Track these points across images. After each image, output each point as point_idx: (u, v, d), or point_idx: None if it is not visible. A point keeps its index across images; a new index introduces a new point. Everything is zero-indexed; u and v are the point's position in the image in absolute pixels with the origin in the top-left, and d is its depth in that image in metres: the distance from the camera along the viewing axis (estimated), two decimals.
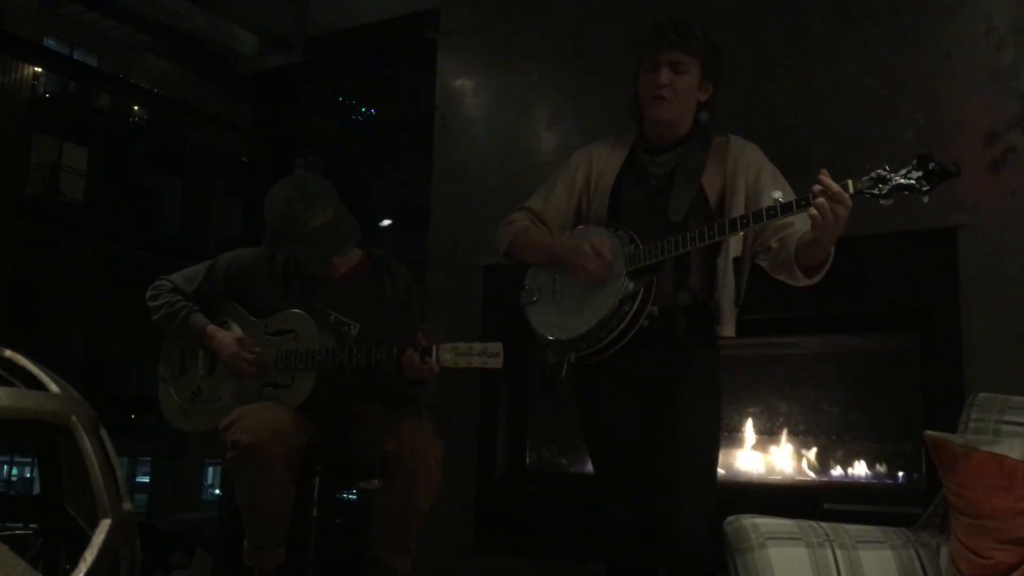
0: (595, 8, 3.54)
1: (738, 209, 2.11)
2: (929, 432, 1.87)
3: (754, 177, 2.14)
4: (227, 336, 2.50)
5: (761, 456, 3.27)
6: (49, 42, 13.98)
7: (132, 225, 15.51)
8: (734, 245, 2.13)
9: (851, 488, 3.03)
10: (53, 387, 1.45)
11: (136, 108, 16.20)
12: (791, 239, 2.03)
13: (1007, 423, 1.93)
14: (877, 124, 2.92)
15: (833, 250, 1.98)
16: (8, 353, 1.51)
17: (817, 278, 2.03)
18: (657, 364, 2.13)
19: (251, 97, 5.34)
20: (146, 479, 17.11)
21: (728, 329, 2.15)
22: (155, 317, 2.58)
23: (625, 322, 2.05)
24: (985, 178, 2.74)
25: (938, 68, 2.88)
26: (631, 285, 2.06)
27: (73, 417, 1.40)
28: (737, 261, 2.15)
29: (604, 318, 2.06)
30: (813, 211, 1.84)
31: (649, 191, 2.19)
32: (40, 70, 14.59)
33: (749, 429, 3.31)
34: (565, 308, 2.16)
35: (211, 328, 2.52)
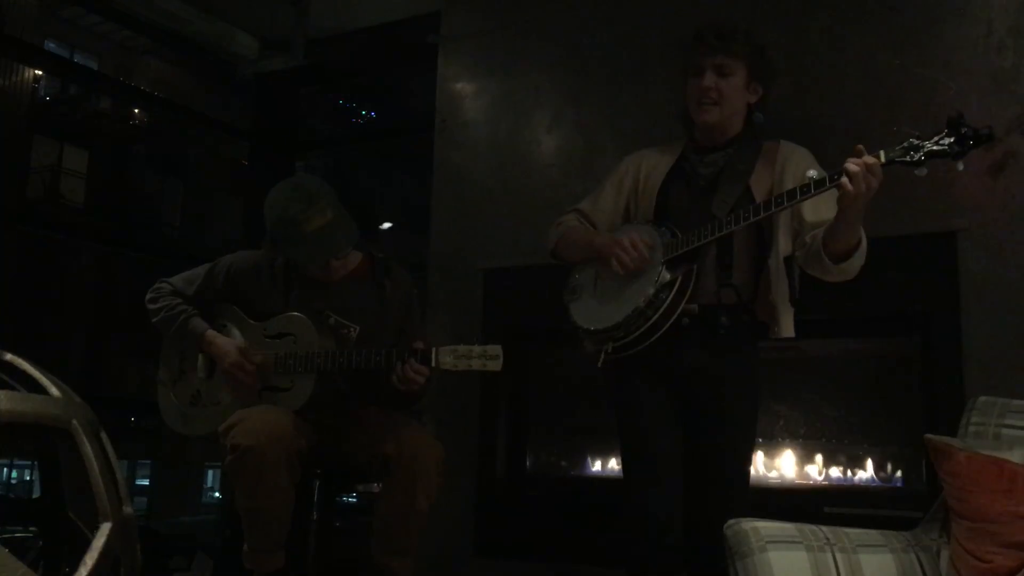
0: (595, 13, 3.55)
1: (787, 211, 2.10)
2: (929, 436, 1.86)
3: (800, 179, 2.11)
4: (228, 344, 2.50)
5: (761, 459, 3.27)
6: (50, 45, 13.99)
7: (132, 228, 15.49)
8: (784, 244, 2.13)
9: (852, 492, 3.03)
10: (53, 391, 1.45)
11: (136, 111, 16.20)
12: (823, 232, 2.03)
13: (1007, 427, 1.92)
14: (877, 128, 2.92)
15: (864, 242, 1.97)
16: (8, 356, 1.51)
17: (849, 270, 2.01)
18: (697, 362, 2.13)
19: (251, 100, 5.33)
20: (146, 482, 17.07)
21: (786, 330, 2.15)
22: (154, 320, 2.57)
23: (661, 311, 2.05)
24: (985, 182, 2.74)
25: (938, 72, 2.88)
26: (667, 274, 2.06)
27: (73, 421, 1.40)
28: (788, 260, 2.15)
29: (640, 306, 2.06)
30: (844, 179, 1.83)
31: (695, 190, 2.20)
32: (40, 73, 14.59)
33: None
34: (604, 300, 2.18)
35: (211, 333, 2.52)
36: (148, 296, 2.60)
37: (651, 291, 2.06)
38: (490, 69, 3.78)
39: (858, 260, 2.01)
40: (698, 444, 2.15)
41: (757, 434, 3.26)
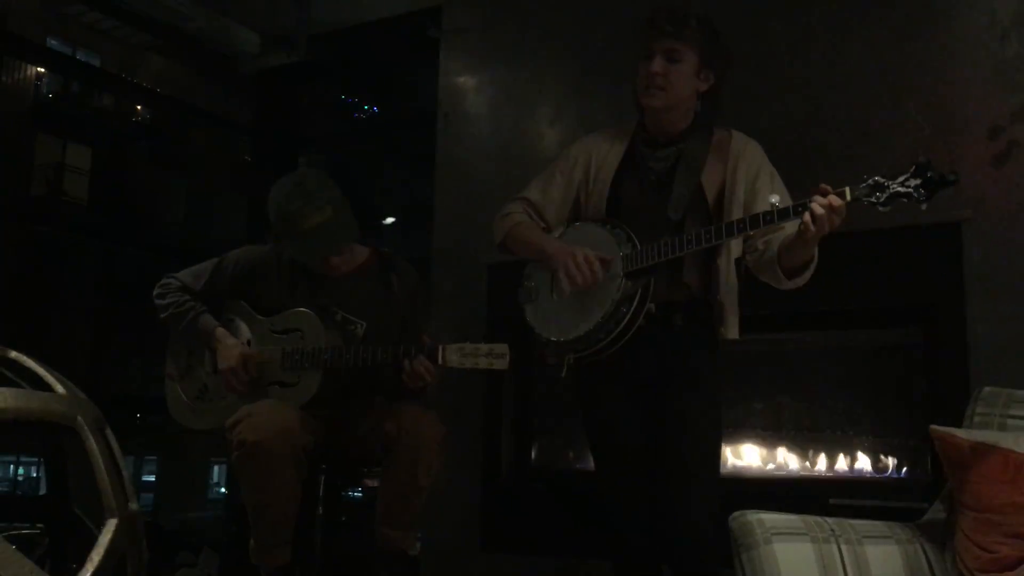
0: (597, 5, 3.54)
1: (736, 209, 2.10)
2: (934, 427, 1.86)
3: (753, 177, 2.12)
4: (233, 348, 2.50)
5: (766, 451, 3.27)
6: (52, 43, 14.00)
7: (136, 225, 15.51)
8: (735, 246, 2.12)
9: (856, 483, 3.03)
10: (59, 388, 1.46)
11: (139, 108, 16.23)
12: (776, 241, 2.02)
13: (1012, 417, 1.92)
14: (880, 119, 2.91)
15: (816, 253, 1.98)
16: (13, 354, 1.52)
17: (800, 281, 2.03)
18: (655, 361, 2.12)
19: (254, 96, 5.34)
20: (152, 478, 17.13)
21: (731, 331, 2.15)
22: (162, 316, 2.58)
23: (623, 324, 2.04)
24: (989, 172, 2.74)
25: (941, 62, 2.87)
26: (629, 286, 2.05)
27: (79, 418, 1.40)
28: (739, 262, 2.14)
29: (601, 320, 2.05)
30: (807, 217, 1.83)
31: (648, 186, 2.17)
32: (43, 70, 14.62)
33: (754, 425, 3.30)
34: (563, 308, 2.15)
35: (220, 331, 2.53)
36: (155, 292, 2.61)
37: (612, 303, 2.05)
38: (492, 63, 3.77)
39: (809, 273, 2.02)
40: (664, 442, 2.14)
41: (758, 427, 3.30)
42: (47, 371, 1.49)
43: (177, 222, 16.79)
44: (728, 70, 2.18)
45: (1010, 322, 2.66)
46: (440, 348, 2.30)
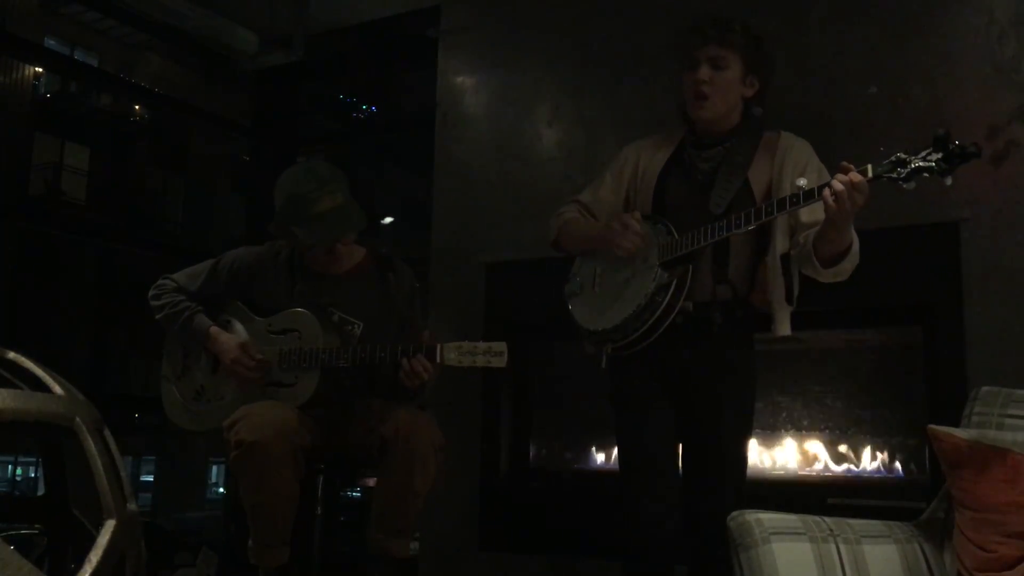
0: (595, 4, 3.54)
1: None
2: (932, 426, 1.86)
3: (800, 173, 2.10)
4: (230, 340, 2.50)
5: (764, 451, 3.27)
6: (50, 42, 13.98)
7: (134, 225, 15.50)
8: (781, 242, 2.12)
9: (855, 483, 3.03)
10: (57, 389, 1.46)
11: (137, 107, 16.19)
12: (815, 233, 2.02)
13: (1010, 417, 1.92)
14: (878, 118, 2.91)
15: (856, 245, 1.97)
16: (12, 355, 1.52)
17: (840, 272, 2.01)
18: (692, 359, 2.12)
19: (252, 95, 5.34)
20: (150, 478, 17.12)
21: (782, 328, 2.13)
22: (158, 317, 2.58)
23: (658, 313, 2.05)
24: (987, 172, 2.73)
25: (939, 61, 2.87)
26: (664, 275, 2.06)
27: (77, 419, 1.40)
28: (785, 258, 2.13)
29: (637, 309, 2.06)
30: (827, 194, 1.82)
31: (693, 185, 2.18)
32: (41, 70, 14.59)
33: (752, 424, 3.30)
34: (603, 300, 2.18)
35: (214, 330, 2.53)
36: (151, 293, 2.61)
37: (648, 293, 2.06)
38: (490, 62, 3.77)
39: (850, 263, 2.01)
40: (695, 440, 2.15)
41: (756, 426, 3.30)
42: (45, 372, 1.49)
43: (175, 222, 16.79)
44: (772, 75, 2.19)
45: (1008, 321, 2.66)
46: (438, 346, 2.30)
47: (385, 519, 2.37)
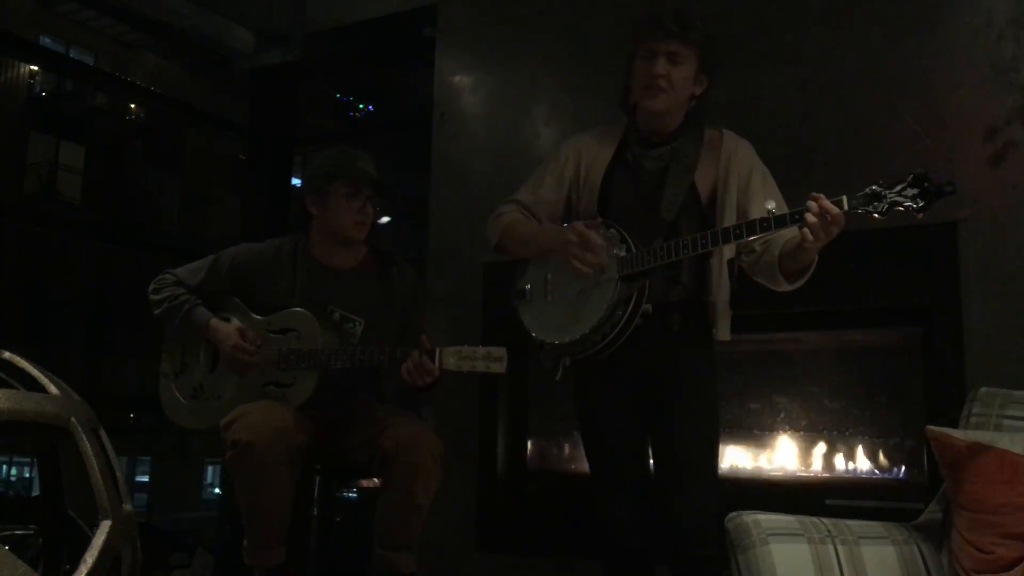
0: (593, 3, 3.54)
1: (729, 209, 2.09)
2: (930, 427, 1.86)
3: (745, 178, 2.12)
4: (229, 328, 2.50)
5: (762, 452, 3.27)
6: (45, 41, 13.95)
7: (129, 224, 15.47)
8: (728, 248, 2.10)
9: (853, 484, 3.03)
10: (52, 389, 1.45)
11: (133, 106, 16.17)
12: (775, 244, 2.02)
13: (1009, 418, 1.92)
14: (876, 119, 2.91)
15: (816, 258, 1.97)
16: (7, 355, 1.51)
17: (799, 284, 2.02)
18: (652, 361, 2.11)
19: (248, 95, 5.33)
20: (146, 478, 17.10)
21: (723, 333, 2.14)
22: (157, 312, 2.57)
23: (619, 327, 2.03)
24: (985, 172, 2.74)
25: (938, 62, 2.87)
26: (624, 289, 2.03)
27: (72, 419, 1.40)
28: (731, 263, 2.14)
29: (597, 324, 2.03)
30: (805, 229, 1.83)
31: (641, 186, 2.16)
32: (36, 69, 14.57)
33: (750, 425, 3.30)
34: (558, 310, 2.14)
35: (214, 322, 2.52)
36: (151, 287, 2.60)
37: (608, 306, 2.03)
38: (488, 62, 3.77)
39: (807, 276, 2.02)
40: (662, 442, 2.14)
41: (754, 427, 3.30)
42: (40, 372, 1.48)
43: (171, 221, 16.76)
44: (716, 74, 2.18)
45: (1007, 322, 2.66)
46: (437, 351, 2.29)
47: (389, 535, 2.36)
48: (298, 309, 2.49)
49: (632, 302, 2.03)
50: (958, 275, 2.73)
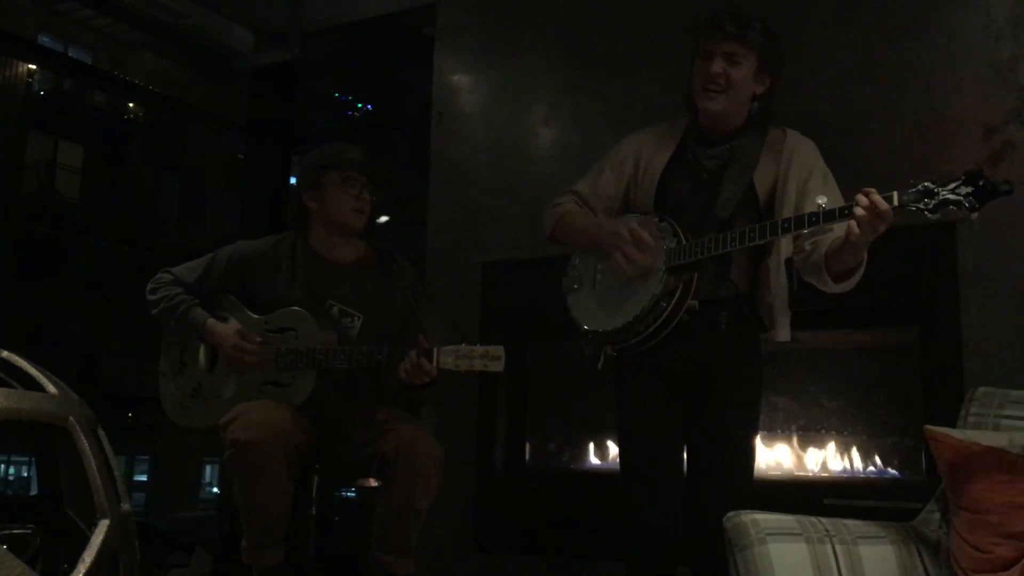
0: (592, 3, 3.53)
1: (787, 208, 2.07)
2: (928, 427, 1.86)
3: (805, 177, 2.10)
4: (227, 329, 2.50)
5: (761, 451, 3.26)
6: (43, 39, 13.93)
7: (128, 223, 15.46)
8: (785, 246, 2.10)
9: (851, 483, 3.03)
10: (50, 388, 1.45)
11: (131, 105, 16.17)
12: (824, 243, 2.00)
13: (1007, 417, 1.92)
14: (875, 119, 2.91)
15: (866, 257, 1.95)
16: (5, 354, 1.50)
17: (848, 286, 2.00)
18: (697, 359, 2.10)
19: (247, 94, 5.32)
20: (144, 478, 17.09)
21: (782, 333, 2.12)
22: (154, 311, 2.57)
23: (661, 319, 2.02)
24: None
25: (936, 62, 2.87)
26: (670, 281, 2.03)
27: (71, 418, 1.39)
28: (789, 262, 2.11)
29: (640, 314, 2.03)
30: (852, 223, 1.81)
31: (698, 184, 2.15)
32: (35, 67, 14.55)
33: None
34: (604, 299, 2.14)
35: (211, 322, 2.52)
36: (149, 287, 2.60)
37: (653, 297, 2.03)
38: (487, 61, 3.76)
39: (857, 277, 2.00)
40: (701, 439, 2.13)
41: (759, 428, 3.30)
42: (39, 371, 1.48)
43: (170, 220, 16.76)
44: (782, 73, 2.16)
45: (1005, 321, 2.66)
46: (435, 350, 2.29)
47: (387, 538, 2.36)
48: (296, 308, 2.49)
49: (677, 295, 2.02)
50: (956, 275, 2.73)
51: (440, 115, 3.81)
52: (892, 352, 3.10)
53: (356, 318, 2.54)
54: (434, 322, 3.51)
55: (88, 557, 1.31)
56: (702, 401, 2.13)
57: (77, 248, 14.88)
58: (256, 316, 2.55)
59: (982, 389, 2.01)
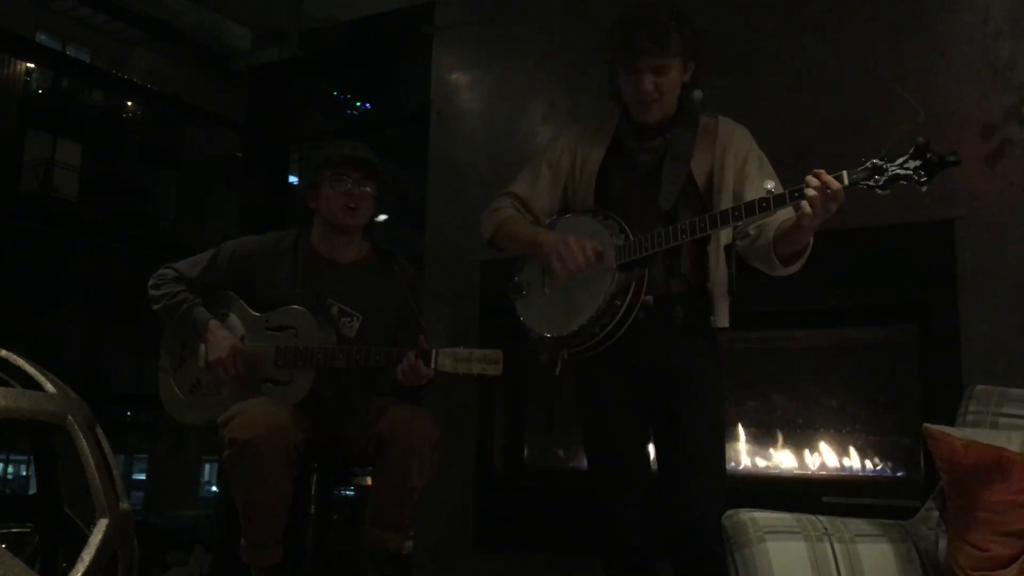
0: (590, 2, 3.53)
1: (726, 194, 2.07)
2: (927, 425, 1.87)
3: (742, 162, 2.10)
4: (224, 340, 2.49)
5: (759, 450, 3.27)
6: (41, 38, 13.90)
7: (126, 222, 15.45)
8: (724, 233, 2.08)
9: (849, 482, 3.03)
10: (49, 387, 1.44)
11: (129, 104, 16.13)
12: (769, 226, 1.99)
13: (1005, 415, 1.93)
14: (873, 117, 2.91)
15: (812, 240, 1.94)
16: (3, 353, 1.50)
17: (794, 268, 2.00)
18: (656, 354, 2.09)
19: (245, 92, 5.32)
20: (143, 476, 17.08)
21: (721, 320, 2.10)
22: (155, 308, 2.57)
23: (617, 317, 2.01)
24: (982, 170, 2.74)
25: (935, 60, 2.87)
26: (622, 279, 2.02)
27: (69, 417, 1.39)
28: (728, 248, 2.10)
29: (595, 314, 2.01)
30: (804, 204, 1.80)
31: (637, 177, 2.14)
32: (33, 66, 14.52)
33: (747, 423, 3.31)
34: (555, 303, 2.12)
35: (213, 323, 2.52)
36: (151, 282, 2.60)
37: (606, 297, 2.01)
38: (485, 59, 3.76)
39: (804, 259, 1.99)
40: (667, 436, 2.12)
41: (751, 425, 3.30)
42: (37, 370, 1.48)
43: (168, 219, 16.73)
44: (702, 50, 2.14)
45: (1003, 320, 2.67)
46: (433, 353, 2.29)
47: (381, 514, 2.38)
48: (296, 307, 2.49)
49: (631, 292, 2.01)
50: (955, 273, 2.73)
51: (438, 113, 3.81)
52: (891, 350, 3.10)
53: (355, 318, 2.54)
54: (433, 323, 3.51)
55: (87, 556, 1.31)
56: (664, 397, 2.10)
57: (75, 246, 14.87)
58: (256, 313, 2.55)
59: (980, 387, 2.02)
